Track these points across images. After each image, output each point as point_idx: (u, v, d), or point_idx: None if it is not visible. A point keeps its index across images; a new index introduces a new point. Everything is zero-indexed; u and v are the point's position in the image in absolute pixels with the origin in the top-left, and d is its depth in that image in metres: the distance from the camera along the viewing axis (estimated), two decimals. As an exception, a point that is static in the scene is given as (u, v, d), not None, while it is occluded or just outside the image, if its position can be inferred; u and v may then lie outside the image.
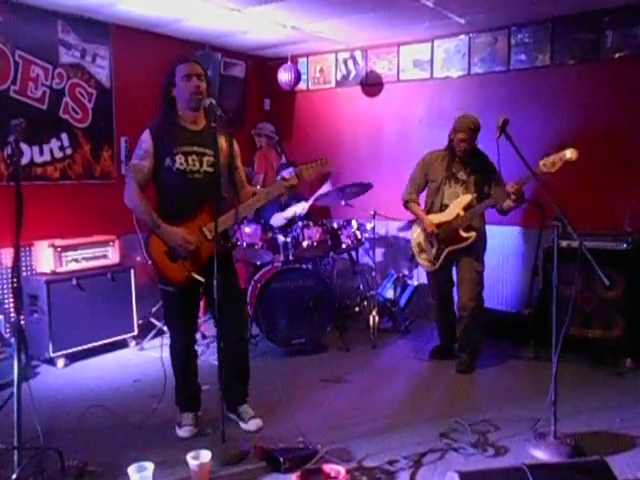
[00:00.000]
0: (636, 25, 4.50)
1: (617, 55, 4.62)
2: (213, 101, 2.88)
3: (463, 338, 4.10)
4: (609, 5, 4.53)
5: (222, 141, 3.06)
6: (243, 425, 3.20)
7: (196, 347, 3.32)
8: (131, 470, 2.50)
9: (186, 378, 3.24)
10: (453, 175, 4.02)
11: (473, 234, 3.95)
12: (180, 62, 3.03)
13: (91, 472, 2.70)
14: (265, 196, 3.12)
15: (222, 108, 2.95)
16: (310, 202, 5.10)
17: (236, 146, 3.20)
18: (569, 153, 3.40)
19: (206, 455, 2.61)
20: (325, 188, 5.55)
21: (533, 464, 2.29)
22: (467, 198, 3.96)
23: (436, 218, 4.05)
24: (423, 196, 4.27)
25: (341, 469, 2.61)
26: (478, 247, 4.04)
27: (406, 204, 4.23)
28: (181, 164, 2.99)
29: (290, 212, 5.01)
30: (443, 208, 4.05)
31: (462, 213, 3.94)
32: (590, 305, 4.24)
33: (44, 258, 4.32)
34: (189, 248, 2.95)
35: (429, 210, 4.13)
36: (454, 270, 4.19)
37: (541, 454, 2.83)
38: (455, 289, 4.19)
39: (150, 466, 2.53)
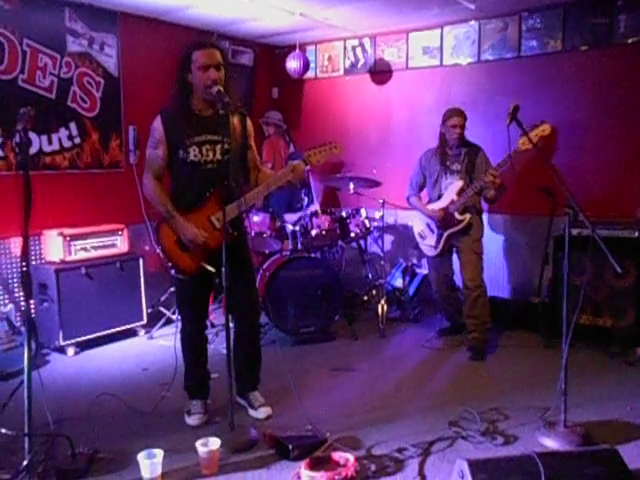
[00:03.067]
0: (649, 9, 4.43)
1: (630, 40, 4.54)
2: (221, 88, 2.83)
3: (471, 319, 4.21)
4: (622, -11, 4.47)
5: (235, 121, 3.02)
6: (252, 412, 3.22)
7: (206, 334, 3.33)
8: (141, 457, 2.52)
9: (196, 363, 3.25)
10: (448, 168, 4.27)
11: (467, 216, 4.17)
12: (197, 47, 2.90)
13: (101, 459, 2.73)
14: (273, 183, 3.08)
15: (230, 95, 2.88)
16: (318, 206, 5.07)
17: (249, 125, 3.15)
18: (542, 129, 3.76)
19: (215, 442, 2.62)
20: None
21: (543, 452, 2.28)
22: (459, 184, 4.19)
23: (433, 206, 4.32)
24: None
25: (350, 457, 2.62)
26: (475, 230, 4.24)
27: (408, 200, 4.55)
28: (195, 156, 2.96)
29: (302, 214, 5.00)
30: (441, 198, 4.30)
31: (456, 198, 4.17)
32: (601, 294, 4.21)
33: (53, 247, 4.34)
34: (198, 243, 2.95)
35: (430, 202, 4.40)
36: (454, 260, 4.46)
37: (551, 443, 2.82)
38: (459, 273, 4.36)
39: (160, 453, 2.54)
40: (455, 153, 4.26)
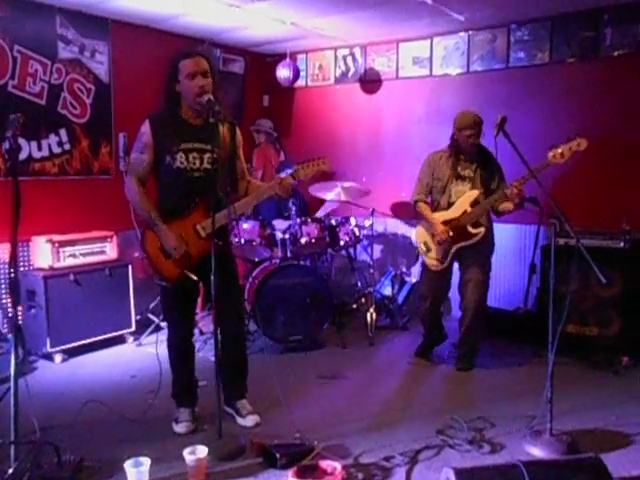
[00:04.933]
0: (635, 23, 4.50)
1: (616, 53, 4.62)
2: (211, 97, 2.85)
3: (465, 336, 4.08)
4: (608, 3, 4.53)
5: (225, 131, 3.04)
6: (240, 420, 3.21)
7: (194, 341, 3.33)
8: (127, 465, 2.51)
9: (183, 371, 3.24)
10: (459, 173, 3.96)
11: (482, 229, 3.89)
12: (184, 57, 2.94)
13: (88, 467, 2.71)
14: (261, 194, 3.09)
15: (220, 103, 2.90)
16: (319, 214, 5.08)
17: (239, 135, 3.16)
18: (578, 143, 3.40)
19: (203, 450, 2.62)
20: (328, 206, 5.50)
21: (528, 461, 2.30)
22: (474, 194, 3.89)
23: (443, 216, 3.97)
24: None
25: (337, 465, 2.61)
26: (486, 247, 3.99)
27: (415, 204, 4.12)
28: (181, 162, 2.97)
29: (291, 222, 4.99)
30: (450, 206, 3.98)
31: (469, 209, 3.88)
32: (587, 303, 4.24)
33: (42, 253, 4.32)
34: (177, 254, 2.95)
35: (435, 208, 4.06)
36: (454, 271, 4.17)
37: (537, 451, 2.84)
38: (458, 289, 4.11)
39: (146, 461, 2.53)
40: (467, 159, 3.96)
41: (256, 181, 3.34)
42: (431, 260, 4.09)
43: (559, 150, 3.42)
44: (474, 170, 3.96)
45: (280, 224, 4.93)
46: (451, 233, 3.91)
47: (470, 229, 3.89)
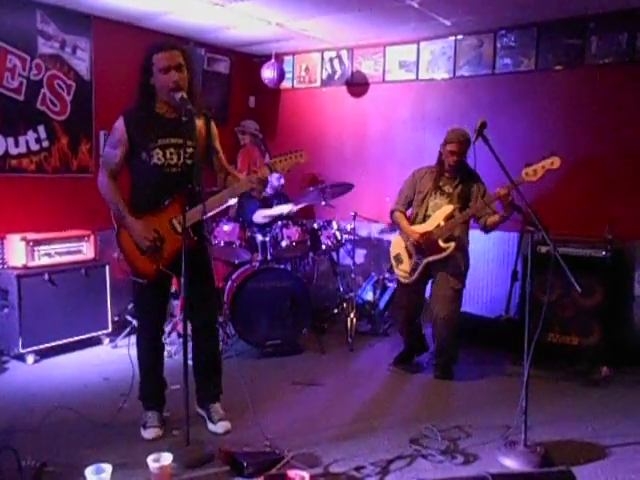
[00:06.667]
0: (621, 32, 4.48)
1: (601, 61, 4.60)
2: (184, 95, 2.80)
3: (440, 348, 4.03)
4: (594, 11, 4.51)
5: (200, 124, 2.99)
6: (211, 426, 3.15)
7: (165, 341, 3.30)
8: (88, 472, 2.43)
9: (151, 371, 3.18)
10: (439, 188, 3.97)
11: (452, 245, 3.86)
12: (158, 50, 2.87)
13: (49, 472, 2.63)
14: (236, 190, 2.99)
15: (196, 98, 2.90)
16: (297, 207, 5.03)
17: (214, 128, 3.10)
18: (551, 162, 3.38)
19: (167, 458, 2.54)
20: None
21: (497, 473, 2.26)
22: (449, 209, 3.89)
23: (417, 229, 3.98)
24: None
25: (305, 475, 2.55)
26: (457, 263, 3.94)
27: (392, 214, 4.15)
28: (159, 159, 2.92)
29: (275, 211, 4.94)
30: (426, 219, 3.98)
31: (442, 223, 3.88)
32: (569, 312, 4.22)
33: (16, 252, 4.23)
34: (146, 244, 2.90)
35: (413, 221, 4.06)
36: (428, 288, 4.12)
37: (510, 463, 2.79)
38: (431, 304, 4.04)
39: (108, 468, 2.46)
40: (450, 176, 3.96)
41: (236, 174, 3.21)
42: (401, 272, 4.09)
43: (532, 168, 3.40)
44: (455, 186, 3.95)
45: (260, 216, 4.86)
46: (421, 240, 3.89)
47: (441, 243, 3.88)
